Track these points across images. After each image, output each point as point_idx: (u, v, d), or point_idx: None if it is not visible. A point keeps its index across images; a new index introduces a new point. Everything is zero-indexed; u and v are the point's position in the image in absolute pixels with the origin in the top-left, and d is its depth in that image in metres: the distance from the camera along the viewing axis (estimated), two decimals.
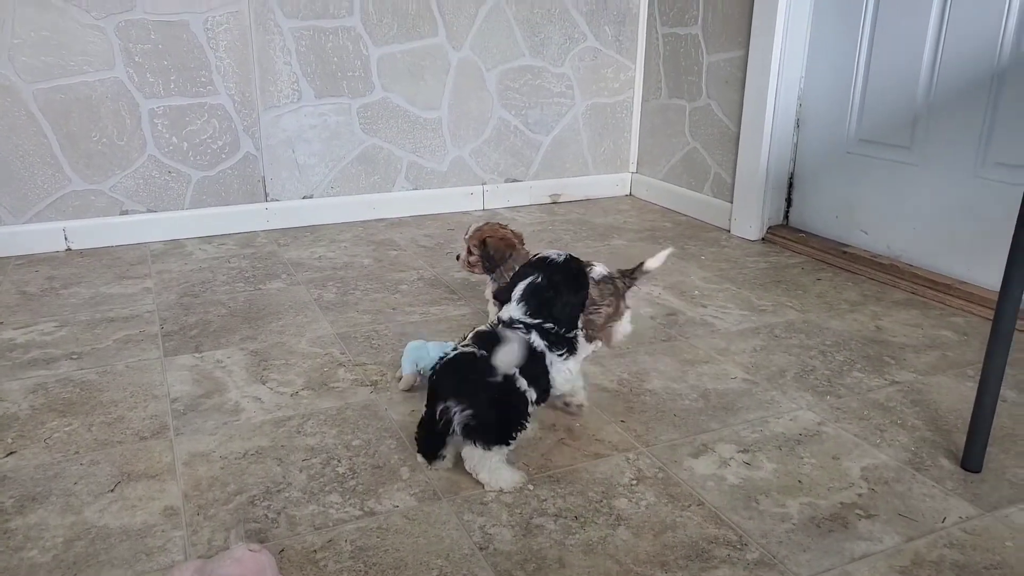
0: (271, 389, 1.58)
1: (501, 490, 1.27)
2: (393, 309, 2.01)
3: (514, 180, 3.04)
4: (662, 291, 2.15)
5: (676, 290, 2.16)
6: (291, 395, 1.56)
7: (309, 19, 2.55)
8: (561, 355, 1.34)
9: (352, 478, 1.30)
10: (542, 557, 1.12)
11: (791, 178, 2.56)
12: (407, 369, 1.59)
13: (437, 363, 1.29)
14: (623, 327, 1.61)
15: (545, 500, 1.25)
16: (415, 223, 2.81)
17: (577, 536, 1.17)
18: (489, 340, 1.27)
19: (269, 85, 2.57)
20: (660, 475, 1.32)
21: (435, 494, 1.26)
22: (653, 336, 1.86)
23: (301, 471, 1.31)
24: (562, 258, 1.38)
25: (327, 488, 1.27)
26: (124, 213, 2.51)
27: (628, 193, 3.23)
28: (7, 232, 2.38)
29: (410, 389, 1.58)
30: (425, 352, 1.61)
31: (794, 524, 1.19)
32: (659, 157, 3.04)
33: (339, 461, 1.34)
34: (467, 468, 1.28)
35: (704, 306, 2.04)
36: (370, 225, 2.77)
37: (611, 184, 3.19)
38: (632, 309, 1.64)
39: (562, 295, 1.33)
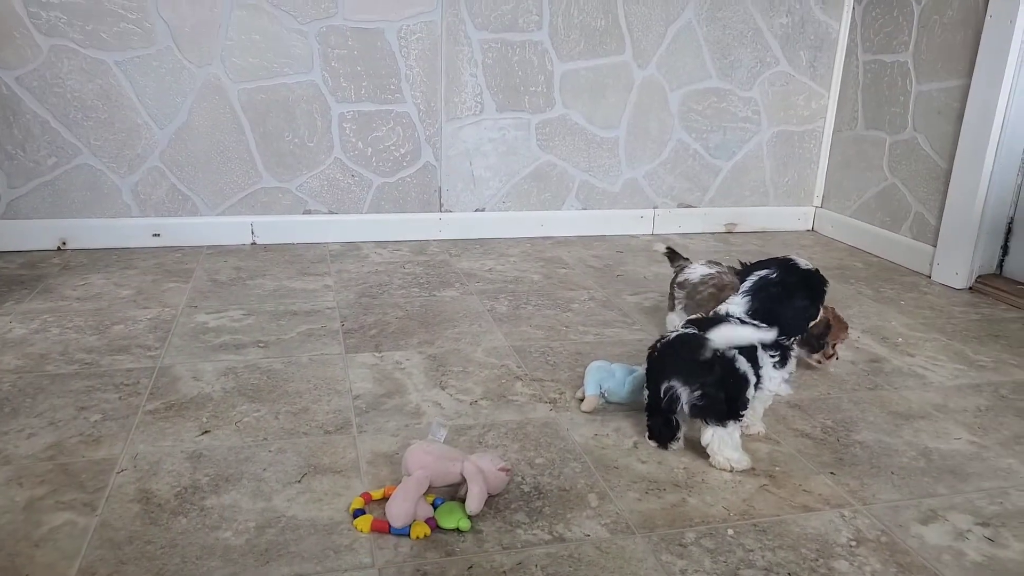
0: (450, 395, 1.54)
1: (732, 469, 1.29)
2: (566, 327, 1.94)
3: (688, 206, 2.91)
4: (860, 335, 1.95)
5: (876, 335, 1.96)
6: (470, 403, 1.51)
7: (499, 31, 2.55)
8: (773, 357, 1.32)
9: (538, 498, 1.22)
10: None
11: (1011, 223, 2.29)
12: (591, 390, 1.51)
13: (657, 343, 1.35)
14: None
15: (752, 551, 1.12)
16: (582, 243, 2.74)
17: None
18: (704, 325, 1.29)
19: (454, 96, 2.59)
20: (884, 539, 1.16)
21: (628, 527, 1.16)
22: (856, 383, 1.68)
23: None
24: (805, 265, 1.36)
25: (513, 505, 1.20)
26: (307, 212, 2.59)
27: (810, 228, 3.02)
28: (202, 222, 2.51)
29: (592, 411, 1.50)
30: (610, 374, 1.52)
31: None
32: (849, 192, 2.83)
33: (523, 479, 1.27)
34: (703, 444, 1.30)
35: (911, 355, 1.84)
36: (537, 242, 2.73)
37: (792, 217, 3.00)
38: None
39: (791, 299, 1.31)
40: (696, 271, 1.79)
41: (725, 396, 1.26)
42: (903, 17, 2.53)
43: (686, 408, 1.28)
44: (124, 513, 1.14)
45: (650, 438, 1.38)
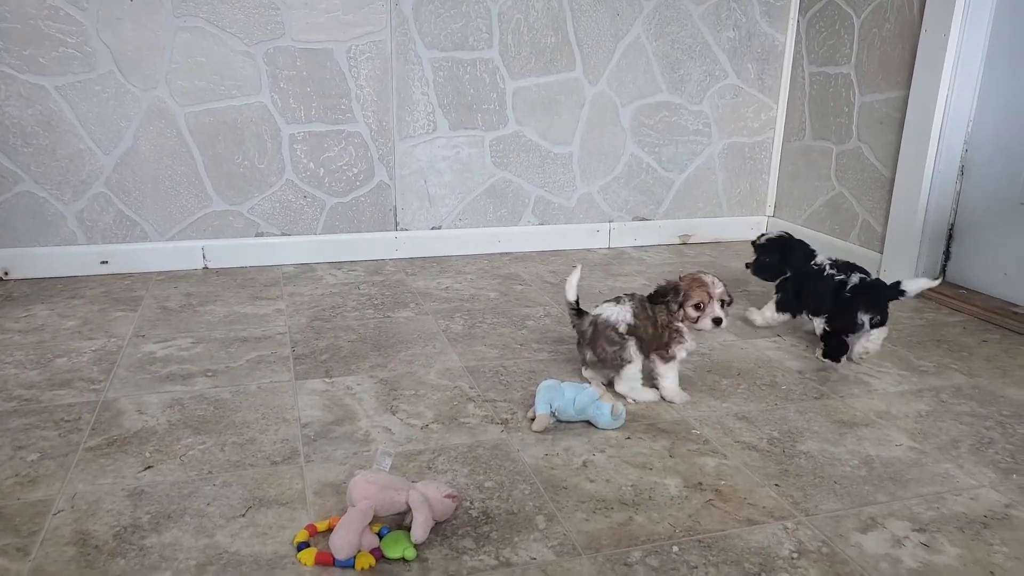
0: (401, 420, 1.54)
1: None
2: (520, 345, 1.94)
3: (643, 219, 2.94)
4: (809, 344, 1.99)
5: None
6: (421, 428, 1.51)
7: (449, 50, 2.56)
8: None
9: (486, 523, 1.22)
10: None
11: (951, 229, 2.35)
12: (541, 409, 1.51)
13: (849, 287, 1.84)
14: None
15: (696, 567, 1.13)
16: (539, 258, 2.75)
17: None
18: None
19: (406, 115, 2.59)
20: (824, 550, 1.17)
21: (574, 548, 1.16)
22: (803, 392, 1.71)
23: None
24: None
25: (460, 531, 1.19)
26: (259, 235, 2.57)
27: None
28: (151, 248, 2.48)
29: (543, 430, 1.50)
30: (560, 393, 1.53)
31: None
32: (800, 201, 2.88)
33: (472, 503, 1.27)
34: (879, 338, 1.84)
35: (856, 362, 1.87)
36: (495, 258, 2.74)
37: (745, 227, 3.04)
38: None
39: None
40: (621, 313, 1.66)
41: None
42: (844, 30, 2.59)
43: (868, 325, 1.81)
44: (59, 557, 1.11)
45: (825, 356, 1.86)
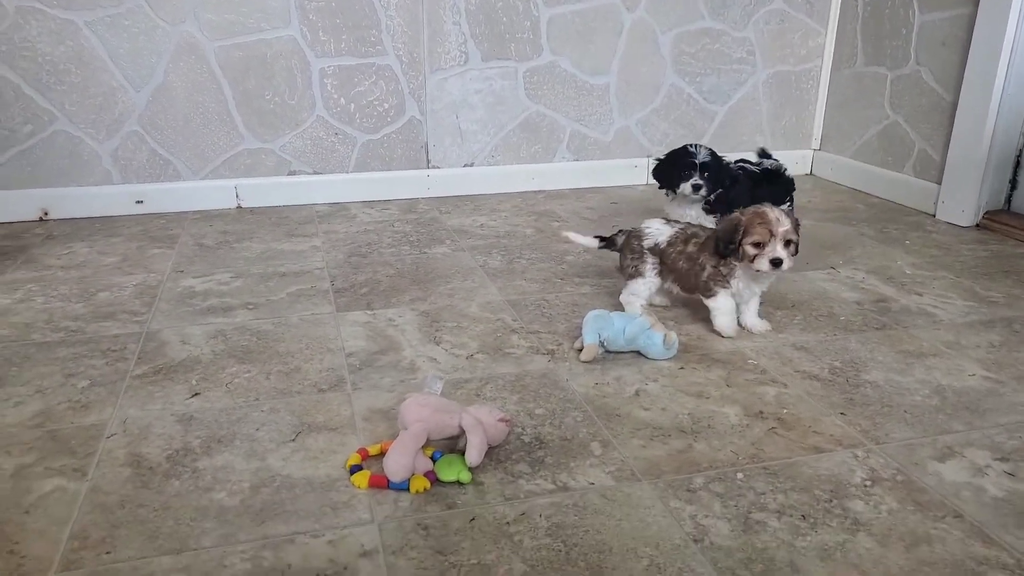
0: (446, 350, 1.49)
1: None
2: (561, 279, 1.88)
3: None
4: (865, 275, 1.90)
5: (881, 275, 1.91)
6: (466, 358, 1.47)
7: None
8: None
9: (540, 448, 1.18)
10: (769, 558, 0.96)
11: (1019, 156, 2.23)
12: (589, 339, 1.46)
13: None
14: None
15: (763, 494, 1.08)
16: (575, 195, 2.67)
17: (808, 538, 0.99)
18: None
19: (437, 46, 2.50)
20: (900, 478, 1.12)
21: (633, 474, 1.12)
22: (863, 323, 1.64)
23: None
24: None
25: (514, 456, 1.15)
26: (291, 173, 2.52)
27: (809, 172, 2.95)
28: (186, 187, 2.44)
29: (592, 360, 1.45)
30: (609, 323, 1.47)
31: None
32: (849, 132, 2.76)
33: (523, 429, 1.23)
34: None
35: (919, 294, 1.79)
36: (529, 196, 2.66)
37: (790, 161, 2.87)
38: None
39: None
40: (658, 231, 1.63)
41: None
42: None
43: None
44: (115, 477, 1.10)
45: None
